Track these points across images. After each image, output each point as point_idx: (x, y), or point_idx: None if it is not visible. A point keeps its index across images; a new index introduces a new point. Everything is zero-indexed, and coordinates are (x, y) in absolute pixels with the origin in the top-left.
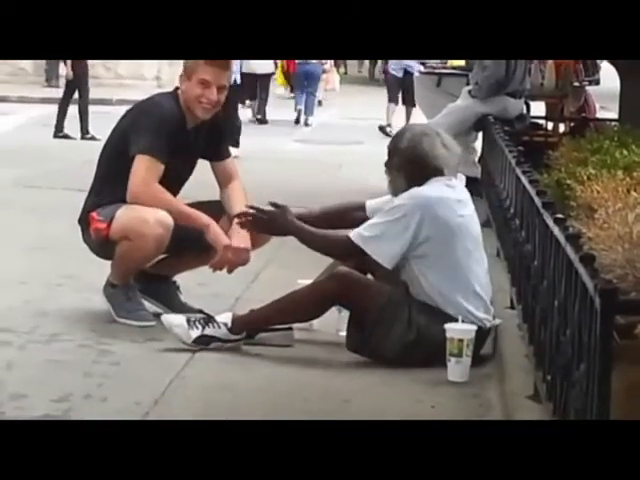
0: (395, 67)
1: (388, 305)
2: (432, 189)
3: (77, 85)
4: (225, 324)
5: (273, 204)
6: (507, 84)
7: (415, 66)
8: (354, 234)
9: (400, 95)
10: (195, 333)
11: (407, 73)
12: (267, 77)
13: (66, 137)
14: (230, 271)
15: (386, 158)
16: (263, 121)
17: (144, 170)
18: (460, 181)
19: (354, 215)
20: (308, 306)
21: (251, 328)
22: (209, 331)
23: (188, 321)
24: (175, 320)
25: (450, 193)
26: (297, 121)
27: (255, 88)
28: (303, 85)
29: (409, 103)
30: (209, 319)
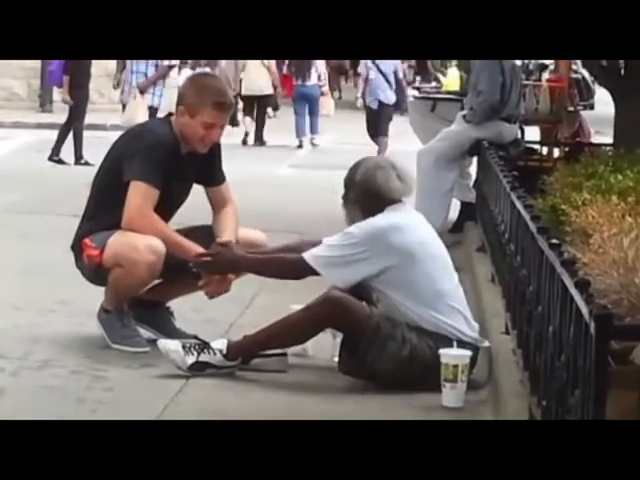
0: (370, 98)
1: (382, 324)
2: (384, 218)
3: (80, 110)
4: (220, 350)
5: (221, 244)
6: (502, 109)
7: (388, 95)
8: (308, 254)
9: (372, 126)
10: (191, 359)
11: (382, 104)
12: (265, 98)
13: (60, 162)
14: (211, 297)
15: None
16: (262, 142)
17: (139, 197)
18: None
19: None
20: (301, 330)
21: (246, 354)
22: (204, 357)
23: (184, 347)
24: (171, 346)
25: (403, 218)
26: (300, 146)
27: (253, 109)
28: (303, 107)
29: (378, 134)
30: (204, 345)
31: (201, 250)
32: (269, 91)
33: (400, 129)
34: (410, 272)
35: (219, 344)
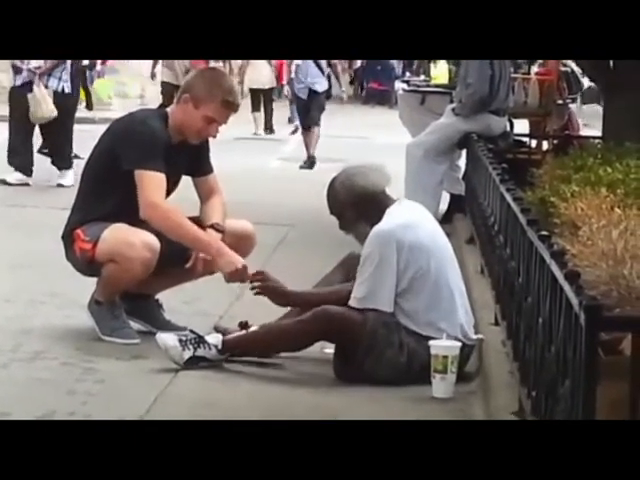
0: (299, 87)
1: (378, 331)
2: (389, 221)
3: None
4: (216, 346)
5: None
6: (491, 102)
7: (319, 82)
8: (352, 301)
9: (303, 116)
10: (187, 354)
11: (313, 92)
12: (270, 90)
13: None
14: (194, 278)
15: (337, 222)
16: (272, 131)
17: (149, 188)
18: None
19: None
20: (295, 342)
21: (238, 352)
22: (200, 352)
23: (180, 341)
24: (169, 341)
25: (406, 216)
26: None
27: (260, 102)
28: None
29: (308, 126)
30: (200, 340)
31: (217, 246)
32: (273, 84)
33: (389, 122)
34: (426, 267)
35: (214, 339)
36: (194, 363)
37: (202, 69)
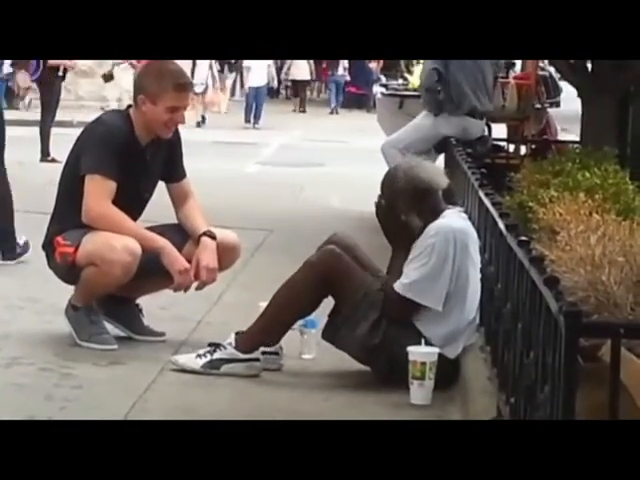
0: None
1: (362, 303)
2: (453, 220)
3: (53, 107)
4: (230, 343)
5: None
6: (463, 103)
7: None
8: (398, 285)
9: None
10: (202, 361)
11: None
12: (306, 82)
13: (53, 161)
14: (199, 288)
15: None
16: (304, 111)
17: (94, 189)
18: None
19: None
20: (299, 293)
21: (255, 338)
22: (217, 355)
23: (197, 355)
24: (180, 360)
25: (468, 225)
26: (332, 112)
27: (298, 90)
28: (334, 89)
29: None
30: (216, 346)
31: (163, 241)
32: (308, 77)
33: (367, 126)
34: (469, 278)
35: (229, 339)
36: (215, 367)
37: (144, 67)
